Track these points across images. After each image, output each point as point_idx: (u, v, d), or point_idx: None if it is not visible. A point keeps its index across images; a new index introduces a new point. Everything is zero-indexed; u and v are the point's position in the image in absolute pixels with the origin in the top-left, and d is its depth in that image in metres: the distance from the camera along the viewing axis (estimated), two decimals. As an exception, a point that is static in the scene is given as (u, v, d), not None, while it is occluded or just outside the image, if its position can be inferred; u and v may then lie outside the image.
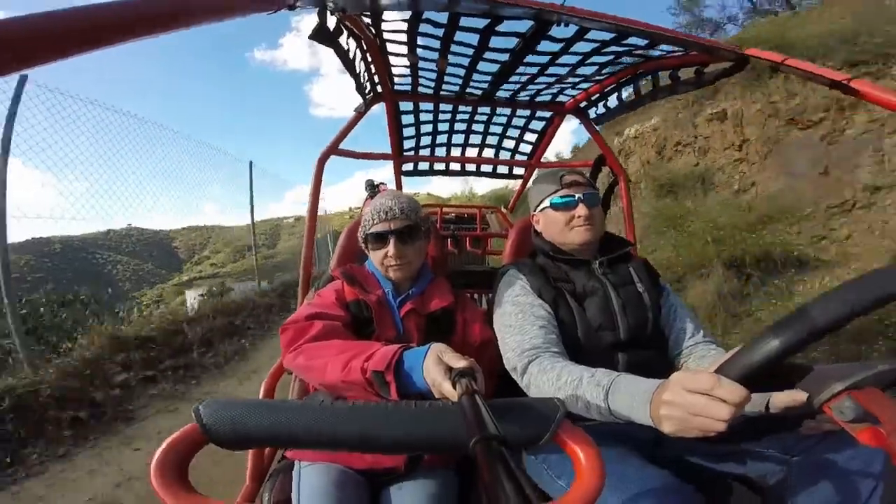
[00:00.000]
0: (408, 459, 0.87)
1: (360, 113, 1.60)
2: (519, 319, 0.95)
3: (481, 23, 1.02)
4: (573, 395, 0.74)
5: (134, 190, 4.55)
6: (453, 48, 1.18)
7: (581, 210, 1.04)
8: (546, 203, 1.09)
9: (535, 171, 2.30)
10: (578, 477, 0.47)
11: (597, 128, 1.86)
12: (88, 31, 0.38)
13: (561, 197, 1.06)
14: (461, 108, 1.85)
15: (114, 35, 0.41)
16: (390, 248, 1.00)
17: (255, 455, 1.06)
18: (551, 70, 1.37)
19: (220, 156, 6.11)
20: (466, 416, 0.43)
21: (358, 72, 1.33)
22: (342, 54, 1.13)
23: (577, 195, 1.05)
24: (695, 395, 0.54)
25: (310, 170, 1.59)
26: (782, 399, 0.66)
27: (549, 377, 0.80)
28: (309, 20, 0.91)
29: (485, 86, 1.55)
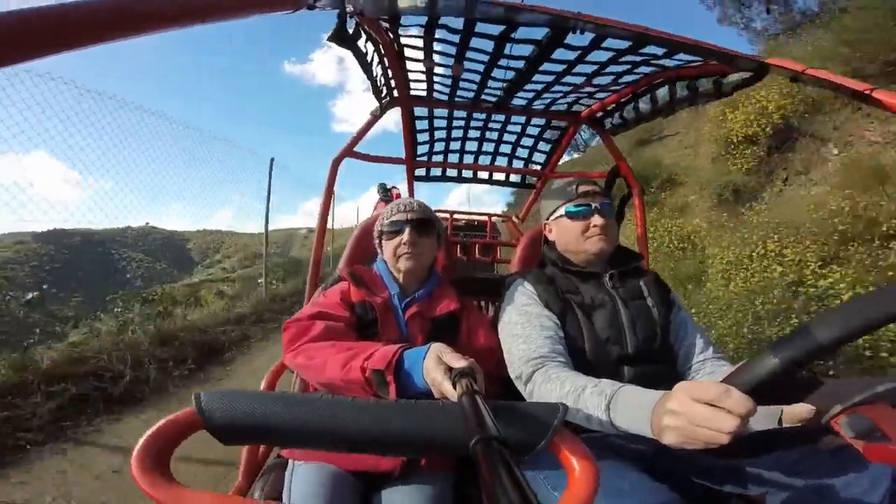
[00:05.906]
0: (404, 462, 0.86)
1: (376, 116, 1.62)
2: (525, 329, 0.94)
3: (496, 29, 1.03)
4: (575, 405, 0.73)
5: (153, 187, 4.76)
6: (469, 54, 1.19)
7: (597, 220, 1.03)
8: (560, 212, 1.08)
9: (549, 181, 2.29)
10: (570, 486, 0.46)
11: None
12: (113, 21, 0.40)
13: (576, 206, 1.05)
14: (476, 115, 1.86)
15: (134, 27, 0.43)
16: (405, 236, 1.02)
17: (249, 451, 1.06)
18: (567, 79, 1.37)
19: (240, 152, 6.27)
20: (466, 416, 0.42)
21: (375, 75, 1.35)
22: (360, 57, 1.14)
23: (593, 204, 1.04)
24: (700, 405, 0.52)
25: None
26: (794, 412, 0.63)
27: (552, 386, 0.79)
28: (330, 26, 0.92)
29: (500, 93, 1.55)
